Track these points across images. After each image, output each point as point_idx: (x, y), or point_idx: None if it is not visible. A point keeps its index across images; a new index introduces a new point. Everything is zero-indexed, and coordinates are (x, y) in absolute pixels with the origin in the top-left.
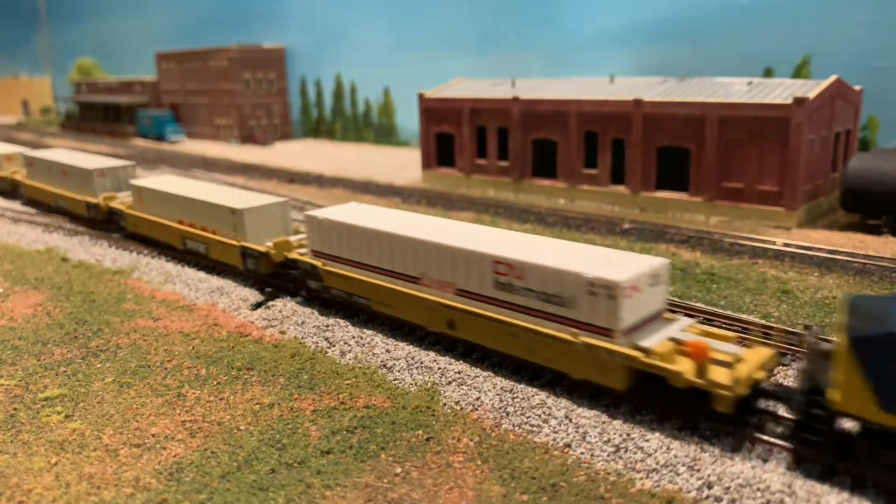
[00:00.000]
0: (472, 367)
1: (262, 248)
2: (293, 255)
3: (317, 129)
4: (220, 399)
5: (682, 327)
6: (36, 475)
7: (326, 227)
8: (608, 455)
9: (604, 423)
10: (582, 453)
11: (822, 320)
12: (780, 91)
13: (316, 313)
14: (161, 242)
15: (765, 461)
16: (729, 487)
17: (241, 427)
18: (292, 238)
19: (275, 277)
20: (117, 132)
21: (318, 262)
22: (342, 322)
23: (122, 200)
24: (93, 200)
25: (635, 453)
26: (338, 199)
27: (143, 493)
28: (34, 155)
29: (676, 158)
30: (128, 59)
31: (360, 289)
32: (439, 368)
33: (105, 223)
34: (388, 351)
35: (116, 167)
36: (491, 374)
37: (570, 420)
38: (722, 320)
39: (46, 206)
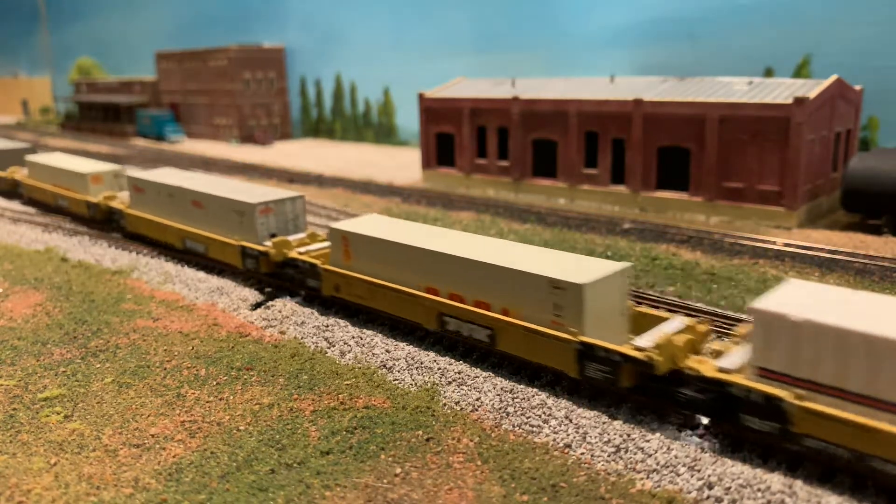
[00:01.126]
0: (472, 368)
1: (630, 352)
2: (709, 370)
3: (317, 128)
4: (220, 399)
5: None
6: (35, 475)
7: (806, 334)
8: (608, 455)
9: (604, 423)
10: (582, 454)
11: None
12: (781, 91)
13: (315, 313)
14: (388, 314)
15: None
16: (729, 488)
17: (241, 427)
18: (667, 330)
19: (637, 392)
20: (117, 132)
21: (782, 393)
22: (342, 322)
23: (307, 250)
24: (256, 248)
25: (636, 454)
26: (337, 198)
27: (143, 493)
28: (145, 177)
29: (677, 158)
30: (128, 59)
31: None
32: (439, 369)
33: (271, 276)
34: (387, 351)
35: (284, 200)
36: (491, 374)
37: (571, 420)
38: (722, 320)
39: (167, 245)
